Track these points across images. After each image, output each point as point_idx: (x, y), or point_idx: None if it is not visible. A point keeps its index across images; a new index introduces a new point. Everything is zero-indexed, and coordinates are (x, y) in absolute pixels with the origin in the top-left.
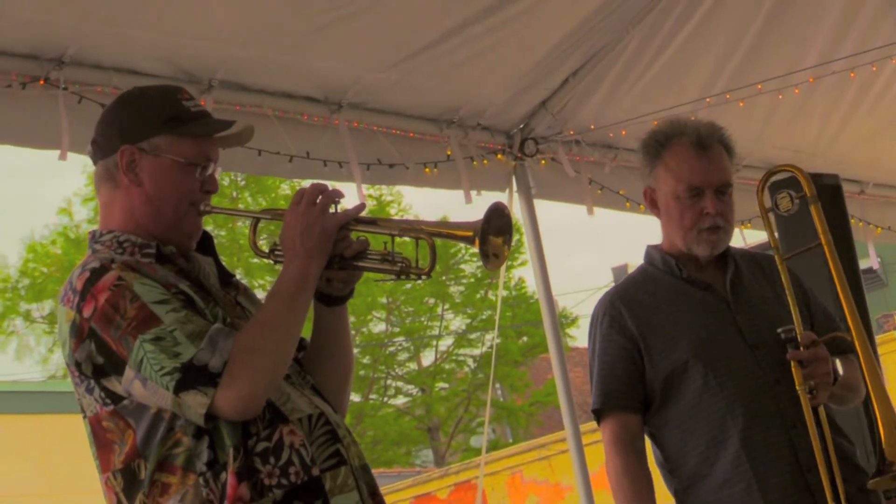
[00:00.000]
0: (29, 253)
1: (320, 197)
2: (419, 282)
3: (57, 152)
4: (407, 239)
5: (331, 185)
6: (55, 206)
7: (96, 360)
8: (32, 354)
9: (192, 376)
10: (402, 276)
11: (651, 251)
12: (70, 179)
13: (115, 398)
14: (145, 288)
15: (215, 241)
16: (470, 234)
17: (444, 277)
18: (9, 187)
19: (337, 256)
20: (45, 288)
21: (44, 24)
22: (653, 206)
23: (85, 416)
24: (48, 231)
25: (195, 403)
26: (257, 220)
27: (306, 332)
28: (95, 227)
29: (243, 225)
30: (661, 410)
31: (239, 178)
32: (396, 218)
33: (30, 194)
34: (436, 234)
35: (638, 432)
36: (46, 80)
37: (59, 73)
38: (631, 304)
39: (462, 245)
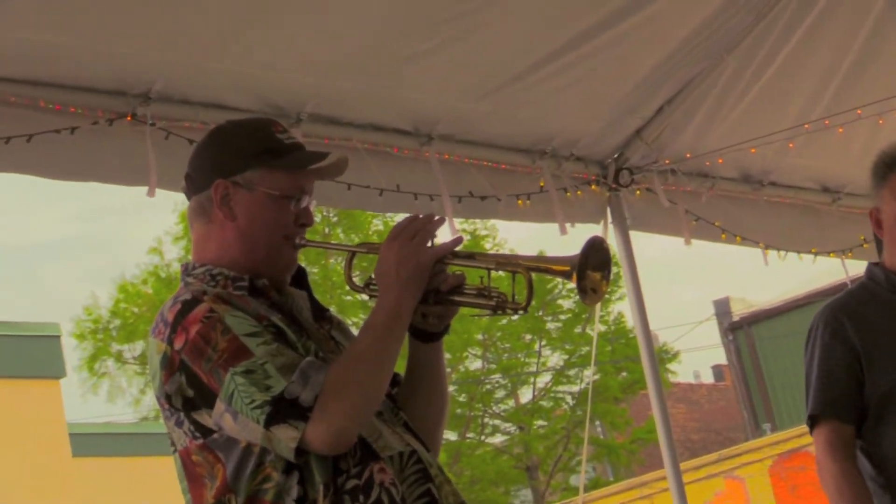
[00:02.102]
0: (120, 293)
1: (418, 232)
2: (515, 317)
3: (145, 189)
4: (503, 273)
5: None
6: (146, 245)
7: (186, 392)
8: (124, 396)
9: (283, 410)
10: (499, 312)
11: (873, 269)
12: (160, 218)
13: (204, 431)
14: (237, 320)
15: (309, 277)
16: (567, 268)
17: (540, 313)
18: (99, 227)
19: (432, 291)
20: (136, 328)
21: (130, 59)
22: (877, 226)
23: (175, 451)
24: (139, 270)
25: (286, 437)
26: (353, 254)
27: (400, 368)
28: (187, 261)
29: (336, 262)
30: (878, 427)
31: (331, 215)
32: (493, 252)
33: (120, 234)
34: (533, 268)
35: (850, 443)
36: (133, 116)
37: (145, 109)
38: (854, 317)
39: (559, 279)
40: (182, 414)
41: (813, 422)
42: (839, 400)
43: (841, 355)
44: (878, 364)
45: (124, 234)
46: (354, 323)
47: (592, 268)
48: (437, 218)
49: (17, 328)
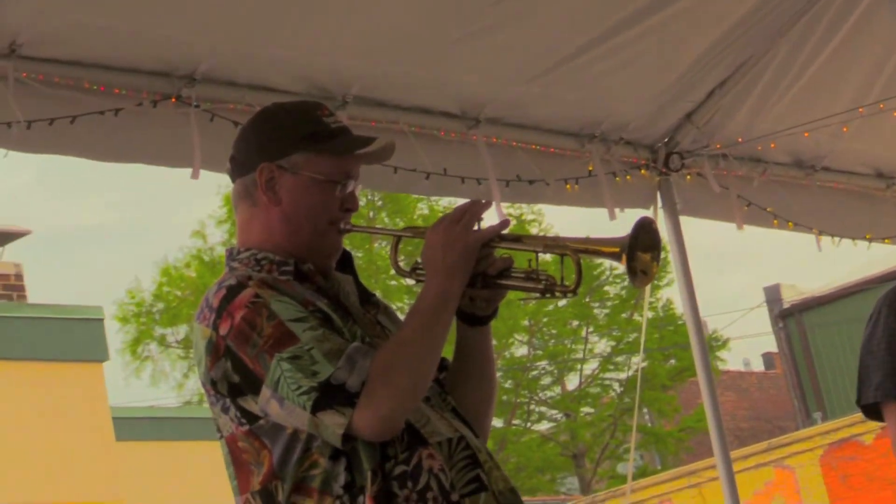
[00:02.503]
0: (163, 276)
1: (465, 214)
2: (563, 302)
3: (189, 171)
4: (551, 257)
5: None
6: (189, 228)
7: (232, 378)
8: (167, 380)
9: (330, 396)
10: (547, 295)
11: None
12: (204, 202)
13: (250, 418)
14: (282, 305)
15: (354, 261)
16: (616, 249)
17: (587, 299)
18: (142, 211)
19: (480, 274)
20: (179, 312)
21: (175, 40)
22: None
23: (221, 437)
24: (182, 254)
25: (333, 423)
26: (398, 238)
27: (448, 353)
28: (234, 245)
29: (381, 247)
30: None
31: (375, 199)
32: (542, 235)
33: (163, 217)
34: (581, 250)
35: None
36: (178, 98)
37: (190, 91)
38: None
39: (606, 265)
40: (228, 400)
41: (881, 404)
42: None
43: None
44: None
45: (167, 217)
46: (399, 308)
47: (642, 249)
48: (483, 202)
49: (60, 311)
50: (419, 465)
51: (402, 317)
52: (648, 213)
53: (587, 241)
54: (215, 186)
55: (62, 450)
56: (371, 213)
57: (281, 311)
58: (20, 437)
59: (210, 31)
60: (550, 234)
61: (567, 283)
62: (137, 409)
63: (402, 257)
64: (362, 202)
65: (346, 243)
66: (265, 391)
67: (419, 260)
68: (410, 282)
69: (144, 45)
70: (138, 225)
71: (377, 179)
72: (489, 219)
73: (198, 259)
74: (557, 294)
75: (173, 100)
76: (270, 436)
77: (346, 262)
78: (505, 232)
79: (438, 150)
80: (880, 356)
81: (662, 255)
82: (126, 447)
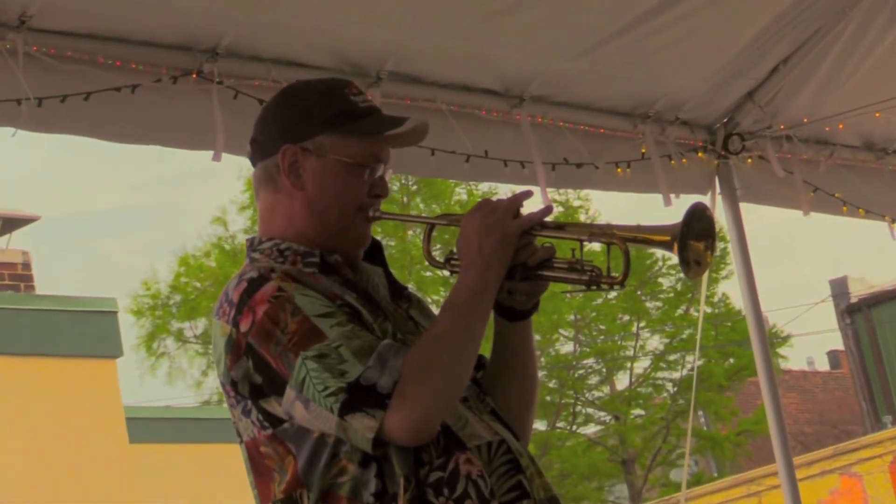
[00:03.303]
0: (181, 266)
1: (502, 201)
2: (609, 295)
3: (210, 153)
4: (598, 247)
5: (512, 188)
6: (209, 215)
7: (254, 378)
8: (185, 378)
9: (359, 397)
10: (593, 287)
11: None
12: (225, 186)
13: (274, 421)
14: (308, 300)
15: (385, 252)
16: (668, 238)
17: (639, 292)
18: (158, 196)
19: (519, 265)
20: (198, 304)
21: (197, 12)
22: None
23: (241, 441)
24: (201, 242)
25: (362, 427)
26: (432, 226)
27: (485, 350)
28: (255, 235)
29: (415, 235)
30: None
31: (410, 182)
32: (587, 222)
33: (181, 203)
34: (630, 238)
35: None
36: (199, 74)
37: (213, 66)
38: None
39: (659, 256)
40: (249, 402)
41: None
42: None
43: None
44: None
45: (186, 202)
46: (434, 301)
47: (695, 237)
48: (524, 191)
49: (70, 303)
50: (456, 471)
51: (436, 311)
52: (706, 199)
53: (636, 228)
54: (237, 170)
55: (72, 452)
56: (404, 199)
57: (306, 306)
58: (27, 438)
59: (234, 2)
60: (599, 221)
61: (614, 274)
62: (153, 409)
63: (438, 246)
64: (395, 187)
65: (377, 231)
66: (289, 392)
67: (454, 250)
68: (446, 273)
69: (164, 16)
70: (155, 211)
71: (413, 163)
72: (532, 204)
73: (218, 248)
74: (604, 286)
75: (194, 76)
76: (295, 440)
77: (375, 252)
78: (547, 219)
79: (479, 131)
80: None
81: (721, 244)
82: (140, 450)
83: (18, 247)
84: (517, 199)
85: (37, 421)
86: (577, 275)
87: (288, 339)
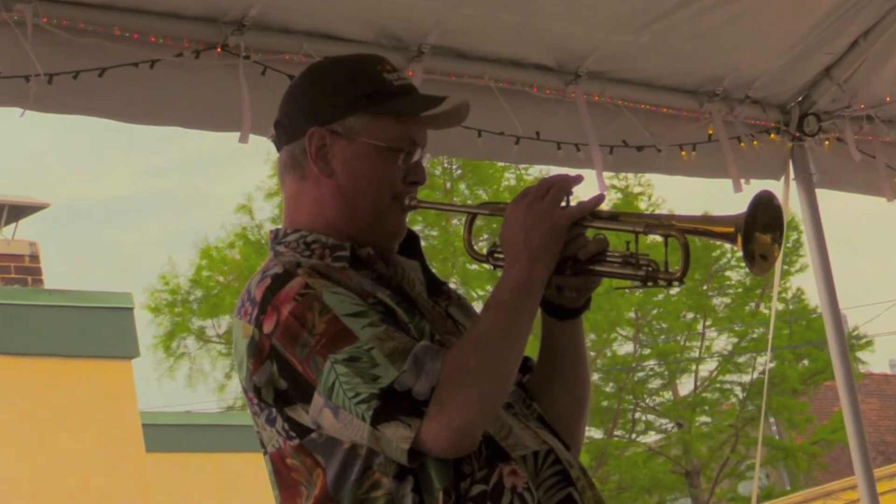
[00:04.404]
0: (202, 259)
1: (551, 189)
2: (671, 291)
3: (236, 135)
4: (656, 238)
5: (566, 173)
6: (233, 202)
7: (279, 384)
8: (207, 381)
9: (394, 404)
10: (649, 283)
11: None
12: (251, 171)
13: (301, 430)
14: (337, 298)
15: (425, 243)
16: (731, 230)
17: (704, 287)
18: (177, 182)
19: (569, 259)
20: (221, 301)
21: None
22: None
23: (265, 452)
24: (224, 232)
25: (397, 437)
26: (473, 216)
27: (532, 351)
28: (280, 226)
29: (459, 224)
30: None
31: (453, 167)
32: (641, 212)
33: (203, 189)
34: (689, 230)
35: None
36: (224, 48)
37: (239, 39)
38: None
39: (727, 247)
40: (274, 410)
41: None
42: None
43: None
44: None
45: (208, 189)
46: (480, 297)
47: (762, 229)
48: (574, 175)
49: (82, 298)
50: (500, 484)
51: (480, 309)
52: (779, 184)
53: (697, 219)
54: (264, 153)
55: (83, 461)
56: (447, 185)
57: (335, 305)
58: (35, 446)
59: None
60: (662, 208)
61: (673, 268)
62: (171, 414)
63: (484, 236)
64: (437, 171)
65: (416, 220)
66: (318, 399)
67: (497, 242)
68: (491, 267)
69: None
70: (173, 198)
71: (458, 144)
72: (588, 190)
73: (243, 238)
74: (661, 282)
75: (219, 49)
76: (324, 451)
77: (411, 244)
78: (600, 209)
79: (531, 110)
80: None
81: (795, 234)
82: (158, 459)
83: (25, 237)
84: (566, 185)
85: (45, 427)
86: (633, 270)
87: (316, 340)
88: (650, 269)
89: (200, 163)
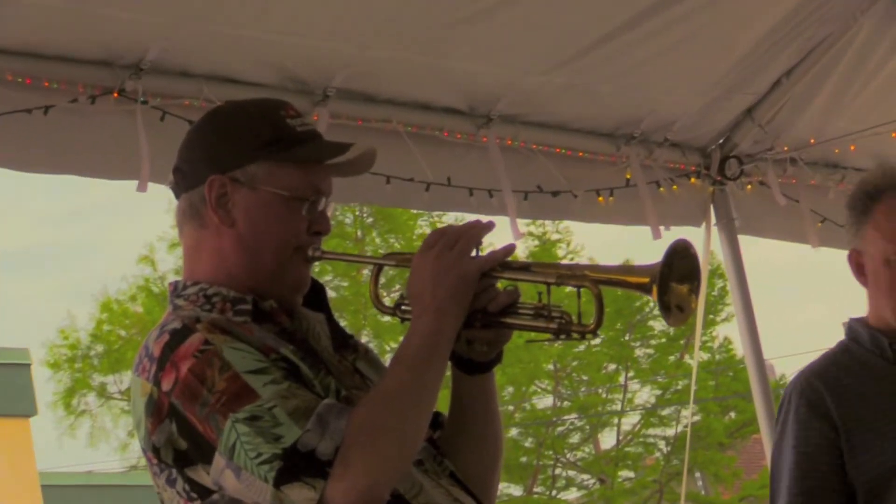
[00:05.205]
0: (102, 312)
1: (459, 238)
2: (595, 341)
3: (134, 183)
4: (569, 289)
5: (479, 220)
6: (134, 253)
7: (178, 444)
8: (109, 439)
9: (297, 465)
10: (562, 336)
11: (855, 326)
12: (153, 220)
13: (202, 492)
14: (238, 354)
15: (335, 294)
16: (646, 280)
17: (626, 337)
18: (77, 231)
19: (479, 311)
20: (123, 356)
21: (118, 22)
22: (859, 272)
23: None
24: (126, 285)
25: (301, 499)
26: (380, 267)
27: (443, 406)
28: (179, 278)
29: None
30: None
31: (365, 215)
32: (554, 262)
33: (102, 240)
34: (604, 281)
35: None
36: (121, 93)
37: (136, 83)
38: (834, 387)
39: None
40: (174, 470)
41: None
42: (825, 488)
43: (822, 434)
44: (861, 445)
45: (108, 239)
46: (393, 350)
47: (677, 279)
48: (484, 222)
49: None
50: None
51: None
52: (700, 231)
53: (610, 269)
54: (166, 202)
55: None
56: (359, 233)
57: (236, 361)
58: None
59: (160, 10)
60: (582, 257)
61: (587, 321)
62: (73, 475)
63: (397, 286)
64: (348, 219)
65: (327, 271)
66: (218, 459)
67: (405, 294)
68: (402, 322)
69: (80, 28)
70: (72, 249)
71: (367, 191)
72: (502, 237)
73: (145, 290)
74: (574, 335)
75: (115, 94)
76: None
77: (317, 296)
78: (511, 259)
79: (441, 156)
80: (787, 458)
81: (721, 283)
82: None
83: None
84: (476, 234)
85: None
86: (545, 322)
87: (216, 399)
88: (563, 321)
89: (100, 212)
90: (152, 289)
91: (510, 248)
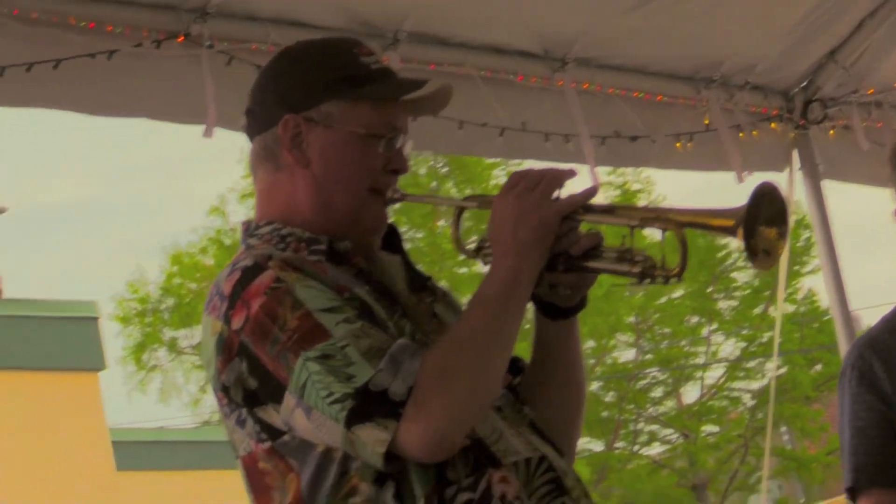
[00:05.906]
0: (173, 265)
1: (541, 180)
2: (677, 293)
3: (201, 128)
4: (655, 237)
5: (556, 166)
6: (205, 205)
7: (248, 383)
8: (180, 395)
9: (369, 405)
10: (646, 280)
11: None
12: (223, 170)
13: (272, 433)
14: (311, 292)
15: (411, 245)
16: (731, 223)
17: (710, 289)
18: (147, 183)
19: (561, 255)
20: (194, 310)
21: None
22: None
23: (237, 455)
24: (197, 237)
25: (372, 440)
26: (461, 210)
27: (524, 352)
28: (249, 219)
29: (446, 225)
30: None
31: (439, 165)
32: (638, 205)
33: (173, 191)
34: (687, 223)
35: None
36: (187, 37)
37: (202, 27)
38: (886, 356)
39: (733, 247)
40: (244, 410)
41: (852, 496)
42: (877, 462)
43: (873, 406)
44: None
45: (178, 190)
46: None
47: (764, 222)
48: (567, 169)
49: (44, 307)
50: (488, 492)
51: None
52: (783, 176)
53: (695, 212)
54: (237, 151)
55: (49, 482)
56: (434, 183)
57: (308, 299)
58: None
59: None
60: (662, 206)
61: (671, 265)
62: (143, 430)
63: (474, 237)
64: (422, 170)
65: (403, 220)
66: (289, 399)
67: (486, 237)
68: (483, 268)
69: None
70: (140, 200)
71: (438, 139)
72: (579, 185)
73: (216, 243)
74: (659, 279)
75: (181, 38)
76: (297, 455)
77: (393, 239)
78: (594, 202)
79: (516, 100)
80: (846, 433)
81: (807, 234)
82: (129, 478)
83: None
84: (558, 177)
85: (6, 446)
86: (628, 266)
87: (287, 337)
88: (647, 264)
89: (170, 164)
90: (223, 241)
91: (592, 191)
